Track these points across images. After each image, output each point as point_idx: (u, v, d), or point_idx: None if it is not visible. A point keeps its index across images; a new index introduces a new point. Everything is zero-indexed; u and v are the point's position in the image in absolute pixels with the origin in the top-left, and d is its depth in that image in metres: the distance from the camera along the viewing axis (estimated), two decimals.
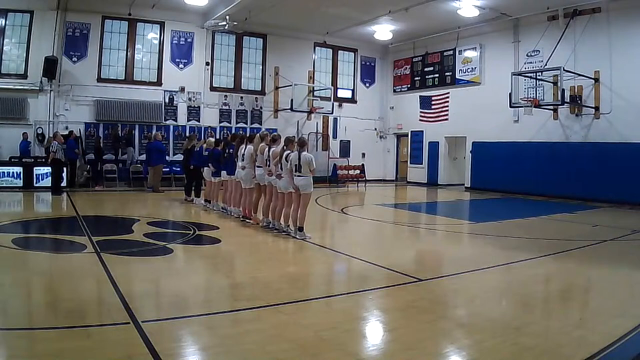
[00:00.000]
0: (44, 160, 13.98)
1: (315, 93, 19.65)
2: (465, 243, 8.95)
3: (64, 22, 15.23)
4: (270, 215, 8.60)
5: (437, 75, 19.41)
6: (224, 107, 18.26)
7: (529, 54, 16.03)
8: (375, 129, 21.75)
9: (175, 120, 17.30)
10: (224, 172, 10.20)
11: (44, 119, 15.25)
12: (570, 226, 10.42)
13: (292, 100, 18.12)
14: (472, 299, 5.06)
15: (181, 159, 14.72)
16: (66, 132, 14.84)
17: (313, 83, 19.68)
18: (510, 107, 14.93)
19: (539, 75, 15.10)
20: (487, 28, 16.96)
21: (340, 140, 20.69)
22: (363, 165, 20.21)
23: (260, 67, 19.02)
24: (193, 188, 12.58)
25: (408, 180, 20.97)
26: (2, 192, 13.02)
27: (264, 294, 4.96)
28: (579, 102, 14.56)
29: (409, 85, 20.75)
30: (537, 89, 15.43)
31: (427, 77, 19.86)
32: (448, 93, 18.52)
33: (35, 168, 13.97)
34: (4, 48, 14.80)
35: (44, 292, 5.03)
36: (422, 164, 20.23)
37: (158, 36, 16.96)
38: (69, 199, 12.44)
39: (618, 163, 13.55)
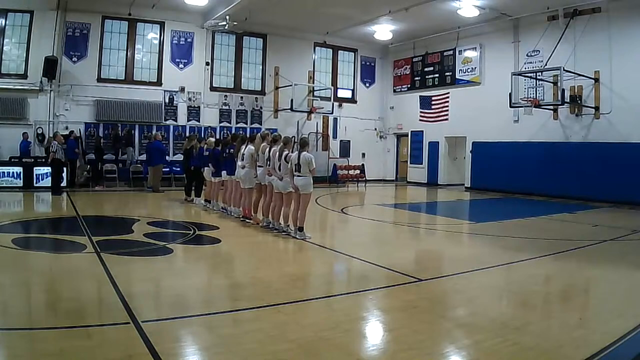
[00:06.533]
0: (44, 160, 13.98)
1: (315, 93, 19.68)
2: (465, 243, 8.95)
3: (64, 22, 15.24)
4: (270, 215, 8.61)
5: (437, 75, 19.40)
6: (224, 107, 18.25)
7: (529, 54, 16.02)
8: (375, 129, 21.76)
9: (175, 120, 17.31)
10: (224, 172, 10.21)
11: (44, 119, 15.25)
12: (570, 226, 10.42)
13: (292, 100, 18.13)
14: (472, 299, 5.05)
15: (181, 159, 14.72)
16: (66, 132, 14.85)
17: (313, 83, 19.68)
18: (510, 107, 14.93)
19: (539, 75, 15.10)
20: (487, 28, 16.95)
21: (340, 140, 20.70)
22: (363, 165, 20.19)
23: (260, 67, 19.02)
24: (193, 188, 12.58)
25: (408, 180, 20.96)
26: (2, 192, 13.01)
27: (264, 294, 4.96)
28: (579, 102, 14.56)
29: (409, 85, 20.75)
30: (537, 89, 15.43)
31: (427, 77, 19.85)
32: (448, 93, 18.50)
33: (35, 168, 13.96)
34: (4, 48, 14.81)
35: (44, 292, 5.02)
36: (422, 164, 20.22)
37: (158, 36, 16.96)
38: (69, 199, 12.44)
39: (618, 163, 13.54)
